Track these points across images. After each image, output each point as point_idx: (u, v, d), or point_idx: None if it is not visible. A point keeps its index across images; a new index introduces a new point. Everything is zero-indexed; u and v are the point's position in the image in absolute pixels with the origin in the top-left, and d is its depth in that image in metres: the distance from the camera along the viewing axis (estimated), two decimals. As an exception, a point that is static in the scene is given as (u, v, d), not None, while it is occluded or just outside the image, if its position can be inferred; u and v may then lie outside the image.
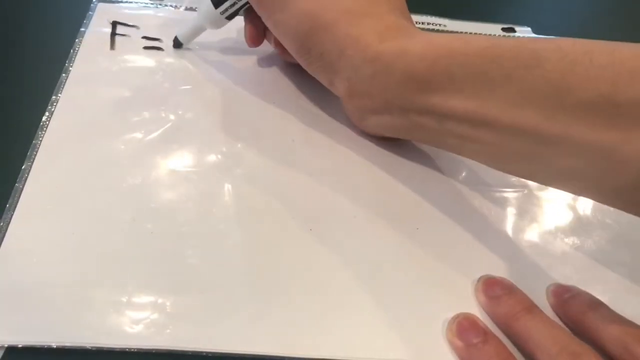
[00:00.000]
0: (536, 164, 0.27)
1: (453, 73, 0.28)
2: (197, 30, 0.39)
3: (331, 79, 0.33)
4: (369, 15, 0.31)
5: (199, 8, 0.37)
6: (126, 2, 0.42)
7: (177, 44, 0.40)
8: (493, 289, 0.28)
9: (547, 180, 0.29)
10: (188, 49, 0.40)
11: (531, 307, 0.27)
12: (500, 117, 0.27)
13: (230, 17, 0.37)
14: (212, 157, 0.33)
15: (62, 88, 0.35)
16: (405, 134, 0.34)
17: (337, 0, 0.31)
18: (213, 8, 0.36)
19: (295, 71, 0.39)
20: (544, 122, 0.25)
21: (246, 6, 0.35)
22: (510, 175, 0.34)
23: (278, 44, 0.36)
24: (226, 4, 0.35)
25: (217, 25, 0.37)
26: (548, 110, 0.25)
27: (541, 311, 0.27)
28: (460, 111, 0.28)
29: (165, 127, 0.34)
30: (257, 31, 0.37)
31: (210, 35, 0.40)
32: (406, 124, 0.32)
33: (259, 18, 0.35)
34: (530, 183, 0.34)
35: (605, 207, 0.33)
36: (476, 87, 0.27)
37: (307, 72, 0.34)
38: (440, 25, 0.47)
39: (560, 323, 0.28)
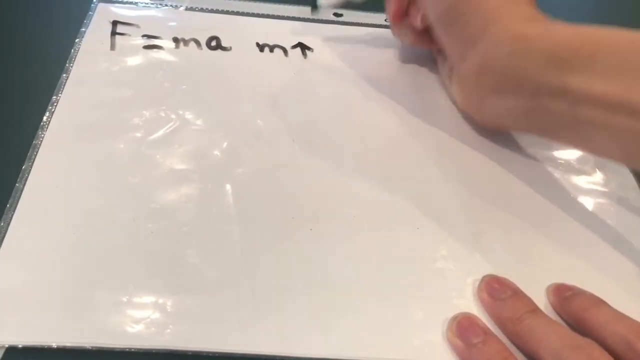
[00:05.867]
0: None
1: (598, 57, 0.28)
2: None
3: (464, 51, 0.34)
4: (517, 2, 0.33)
5: None
6: (126, 2, 0.42)
7: (314, 6, 0.39)
8: (497, 291, 0.28)
9: None
10: (186, 47, 0.40)
11: (535, 310, 0.27)
12: None
13: None
14: (212, 157, 0.33)
15: (63, 88, 0.35)
16: (523, 120, 0.33)
17: None
18: None
19: (295, 70, 0.39)
20: None
21: None
22: (508, 176, 0.34)
23: (414, 21, 0.37)
24: None
25: None
26: None
27: (544, 313, 0.27)
28: (599, 94, 0.28)
29: (166, 127, 0.34)
30: (401, 7, 0.38)
31: (208, 35, 0.40)
32: (530, 108, 0.31)
33: None
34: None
35: (604, 207, 0.33)
36: (621, 72, 0.27)
37: (305, 71, 0.34)
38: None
39: (562, 322, 0.28)
